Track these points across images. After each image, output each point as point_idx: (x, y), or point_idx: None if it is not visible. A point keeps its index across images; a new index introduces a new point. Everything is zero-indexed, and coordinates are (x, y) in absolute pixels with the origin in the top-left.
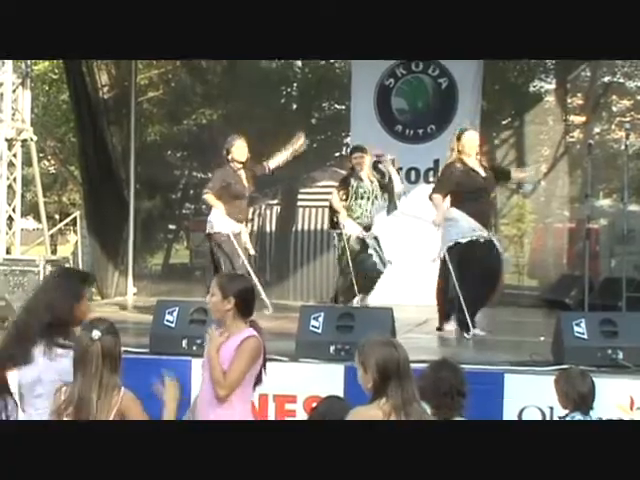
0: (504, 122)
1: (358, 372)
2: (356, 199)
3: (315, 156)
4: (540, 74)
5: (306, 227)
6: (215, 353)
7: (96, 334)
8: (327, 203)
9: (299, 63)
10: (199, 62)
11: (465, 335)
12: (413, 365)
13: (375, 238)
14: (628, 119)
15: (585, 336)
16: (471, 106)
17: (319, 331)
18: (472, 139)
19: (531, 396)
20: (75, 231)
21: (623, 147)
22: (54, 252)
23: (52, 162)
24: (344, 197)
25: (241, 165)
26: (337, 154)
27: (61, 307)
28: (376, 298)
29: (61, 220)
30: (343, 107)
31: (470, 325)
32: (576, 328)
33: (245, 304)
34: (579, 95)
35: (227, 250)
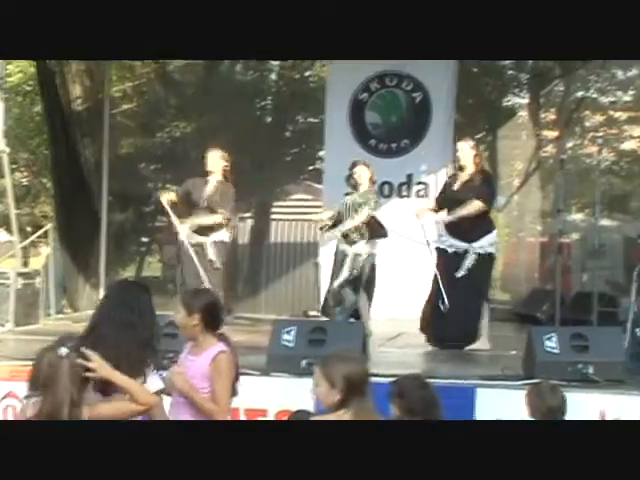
0: (478, 136)
1: (320, 386)
2: (341, 210)
3: (289, 169)
4: (514, 89)
5: (279, 240)
6: (190, 388)
7: (64, 351)
8: (301, 217)
9: (273, 76)
10: (173, 75)
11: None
12: (383, 379)
13: (358, 253)
14: (601, 134)
15: (556, 350)
16: (445, 120)
17: (291, 345)
18: (459, 150)
19: (502, 410)
20: (47, 243)
21: (595, 162)
22: (26, 264)
23: (25, 174)
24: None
25: (215, 176)
26: (311, 167)
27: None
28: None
29: (33, 232)
30: (317, 120)
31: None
32: (547, 342)
33: (212, 318)
34: (552, 110)
35: (184, 260)
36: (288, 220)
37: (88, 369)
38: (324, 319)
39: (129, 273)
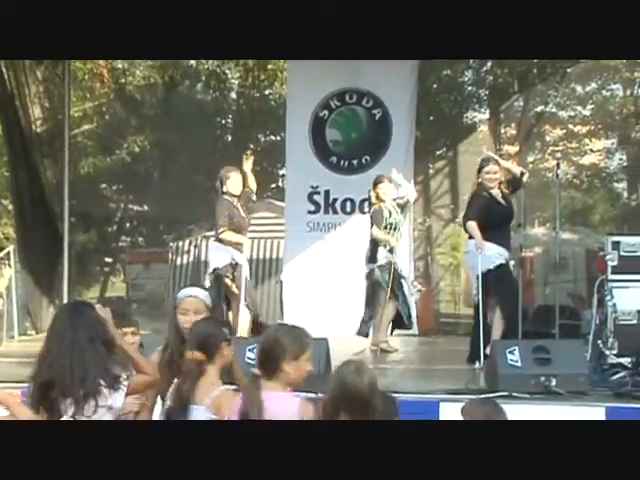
0: (439, 152)
1: None
2: (391, 230)
3: None
4: (473, 104)
5: None
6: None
7: None
8: (263, 235)
9: (233, 95)
10: (133, 94)
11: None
12: None
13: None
14: (560, 148)
15: (519, 364)
16: (405, 137)
17: (254, 363)
18: (489, 171)
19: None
20: (9, 265)
21: (555, 176)
22: None
23: None
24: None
25: (236, 198)
26: (273, 185)
27: None
28: (313, 329)
29: None
30: (278, 138)
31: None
32: (509, 356)
33: None
34: (512, 125)
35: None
36: (251, 238)
37: None
38: None
39: (93, 294)
